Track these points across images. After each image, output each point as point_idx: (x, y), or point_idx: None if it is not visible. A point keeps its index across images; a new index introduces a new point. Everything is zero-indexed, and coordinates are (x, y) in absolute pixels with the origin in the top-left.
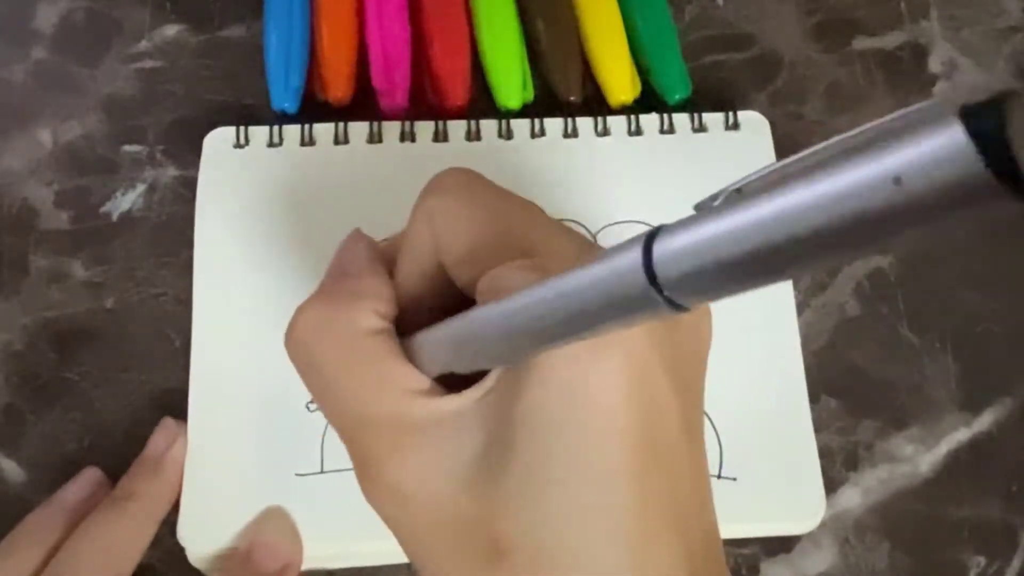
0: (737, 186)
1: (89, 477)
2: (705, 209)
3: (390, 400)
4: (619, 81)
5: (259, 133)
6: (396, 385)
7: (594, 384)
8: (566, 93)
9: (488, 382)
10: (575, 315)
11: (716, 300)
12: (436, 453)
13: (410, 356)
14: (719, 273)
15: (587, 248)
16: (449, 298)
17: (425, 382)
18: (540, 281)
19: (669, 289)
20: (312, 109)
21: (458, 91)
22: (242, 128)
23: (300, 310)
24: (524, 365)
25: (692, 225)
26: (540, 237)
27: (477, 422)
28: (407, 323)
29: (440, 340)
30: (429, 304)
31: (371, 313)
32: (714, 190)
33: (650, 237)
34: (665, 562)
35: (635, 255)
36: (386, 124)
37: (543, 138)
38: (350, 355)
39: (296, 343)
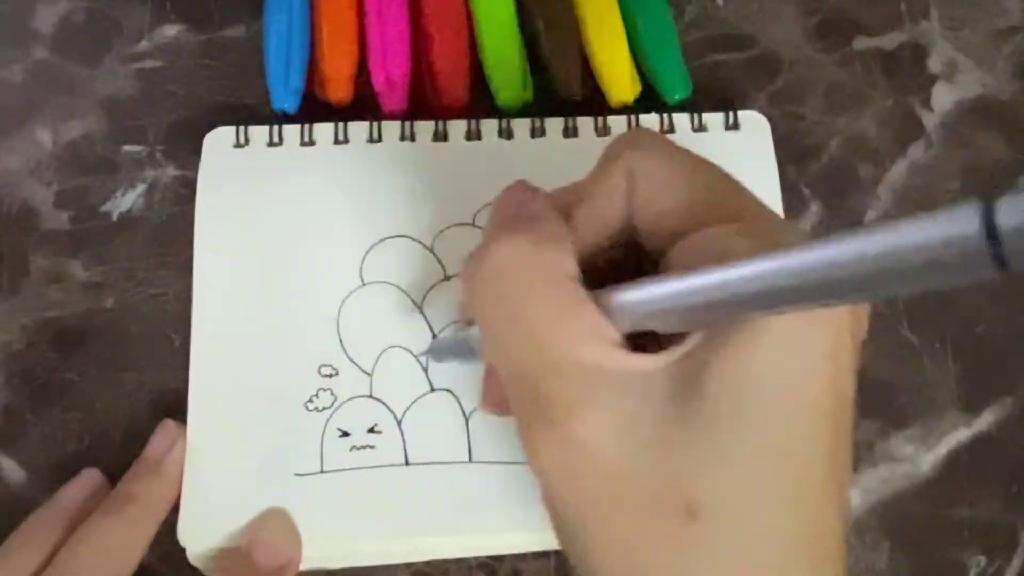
0: None
1: (89, 478)
2: None
3: (586, 347)
4: (619, 81)
5: (259, 133)
6: (592, 331)
7: (805, 360)
8: (566, 93)
9: (686, 345)
10: (823, 281)
11: None
12: (628, 408)
13: (598, 307)
14: None
15: (789, 222)
16: (621, 264)
17: (617, 335)
18: (780, 246)
19: (1014, 248)
20: (312, 109)
21: (458, 91)
22: (242, 128)
23: (497, 244)
24: (730, 331)
25: None
26: (747, 204)
27: (671, 382)
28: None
29: (639, 297)
30: (602, 265)
31: (570, 256)
32: None
33: (988, 200)
34: (835, 544)
35: (970, 214)
36: (386, 124)
37: (543, 138)
38: (551, 297)
39: (493, 272)
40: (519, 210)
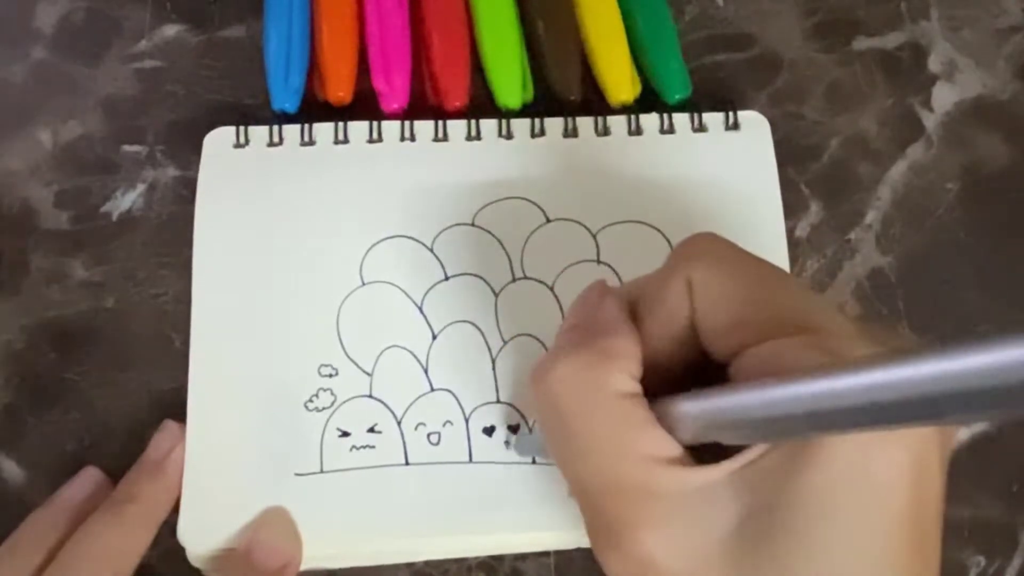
0: None
1: (88, 477)
2: None
3: (642, 468)
4: (619, 81)
5: (259, 133)
6: (648, 452)
7: (883, 484)
8: (566, 93)
9: (748, 456)
10: (899, 402)
11: None
12: (689, 525)
13: (660, 419)
14: None
15: (866, 330)
16: (691, 362)
17: (677, 449)
18: (847, 361)
19: None
20: (312, 109)
21: (458, 91)
22: (242, 128)
23: (554, 362)
24: (798, 444)
25: None
26: (814, 313)
27: (731, 495)
28: (647, 383)
29: (702, 409)
30: (670, 365)
31: (626, 375)
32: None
33: None
34: None
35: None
36: (386, 124)
37: (543, 138)
38: (604, 418)
39: (548, 395)
40: (587, 320)
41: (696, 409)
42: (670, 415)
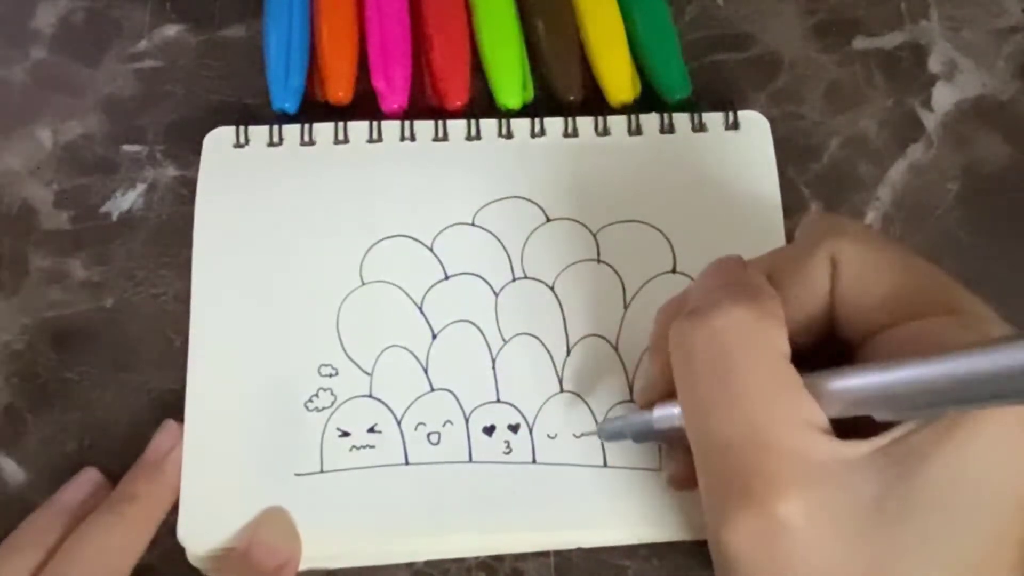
0: None
1: (88, 478)
2: None
3: (799, 431)
4: (619, 81)
5: (259, 133)
6: (805, 417)
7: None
8: (566, 93)
9: (896, 432)
10: None
11: None
12: (833, 495)
13: (809, 390)
14: None
15: (999, 320)
16: (815, 339)
17: (826, 421)
18: (1008, 338)
19: None
20: (312, 109)
21: (458, 91)
22: (242, 128)
23: (722, 309)
24: (945, 421)
25: None
26: (959, 297)
27: (877, 471)
28: None
29: (856, 384)
30: (797, 342)
31: (786, 337)
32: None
33: None
34: None
35: None
36: (386, 124)
37: (543, 138)
38: (768, 374)
39: (713, 338)
40: (738, 279)
41: (852, 383)
42: (819, 389)
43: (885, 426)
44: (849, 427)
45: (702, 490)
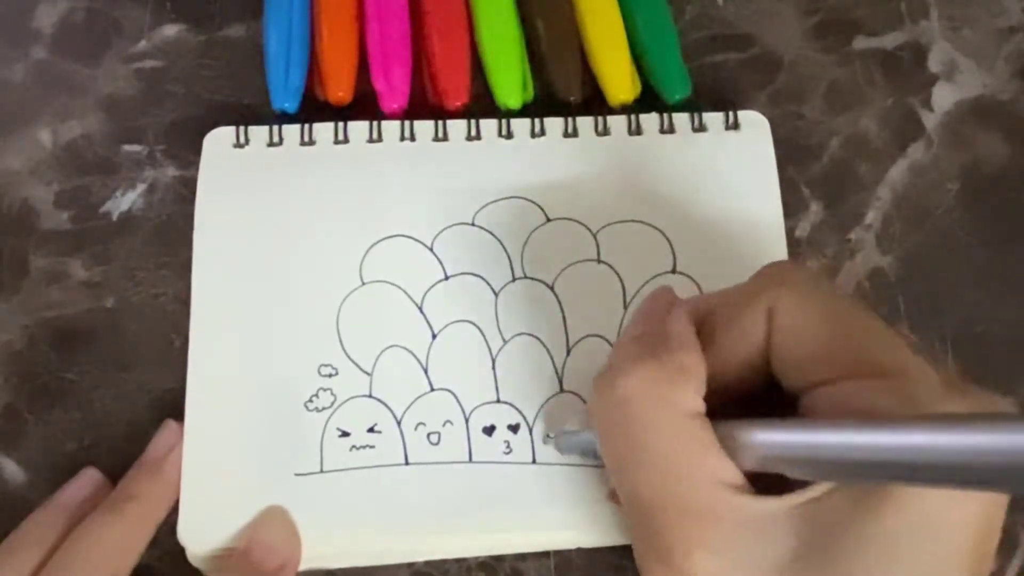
0: None
1: (88, 478)
2: None
3: (706, 491)
4: (619, 81)
5: (259, 133)
6: (715, 476)
7: (950, 532)
8: (566, 93)
9: (812, 492)
10: (978, 466)
11: None
12: (743, 553)
13: (723, 442)
14: None
15: (951, 381)
16: (754, 386)
17: (739, 476)
18: (929, 412)
19: None
20: (312, 109)
21: (458, 91)
22: (242, 128)
23: (624, 371)
24: (865, 488)
25: None
26: (898, 357)
27: (791, 529)
28: (707, 403)
29: (774, 440)
30: (730, 387)
31: (695, 394)
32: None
33: None
34: None
35: None
36: (386, 124)
37: (543, 138)
38: (672, 435)
39: (617, 404)
40: (656, 329)
41: (767, 439)
42: (734, 440)
43: (807, 483)
44: (773, 479)
45: (631, 534)
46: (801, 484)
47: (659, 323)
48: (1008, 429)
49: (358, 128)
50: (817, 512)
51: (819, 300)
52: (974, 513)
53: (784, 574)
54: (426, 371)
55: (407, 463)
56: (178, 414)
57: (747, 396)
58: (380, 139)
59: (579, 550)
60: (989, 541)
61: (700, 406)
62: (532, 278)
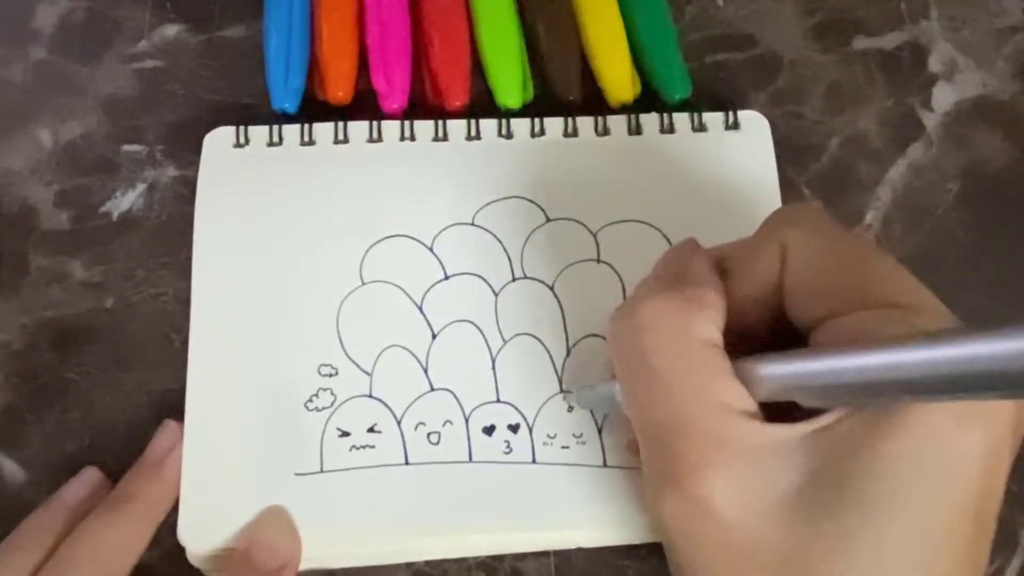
0: None
1: (88, 478)
2: None
3: (717, 414)
4: (619, 81)
5: (259, 133)
6: (725, 401)
7: (956, 459)
8: (566, 93)
9: (825, 419)
10: (976, 375)
11: None
12: (755, 477)
13: (738, 374)
14: None
15: (944, 310)
16: (769, 326)
17: (752, 404)
18: (932, 334)
19: None
20: (312, 109)
21: (458, 91)
22: (242, 128)
23: (644, 300)
24: (878, 412)
25: None
26: (906, 289)
27: (803, 456)
28: (725, 341)
29: (786, 368)
30: (748, 327)
31: (711, 324)
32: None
33: None
34: None
35: None
36: (386, 124)
37: (543, 138)
38: (686, 361)
39: (635, 330)
40: (677, 268)
41: (780, 368)
42: (749, 373)
43: (818, 412)
44: (787, 413)
45: (643, 466)
46: (812, 416)
47: (680, 265)
48: (1011, 335)
49: (358, 128)
50: (827, 439)
51: (830, 236)
52: (979, 439)
53: (795, 500)
54: (426, 371)
55: (407, 463)
56: (178, 414)
57: (760, 341)
58: (380, 139)
59: (579, 550)
60: (995, 476)
61: (715, 336)
62: (532, 278)
